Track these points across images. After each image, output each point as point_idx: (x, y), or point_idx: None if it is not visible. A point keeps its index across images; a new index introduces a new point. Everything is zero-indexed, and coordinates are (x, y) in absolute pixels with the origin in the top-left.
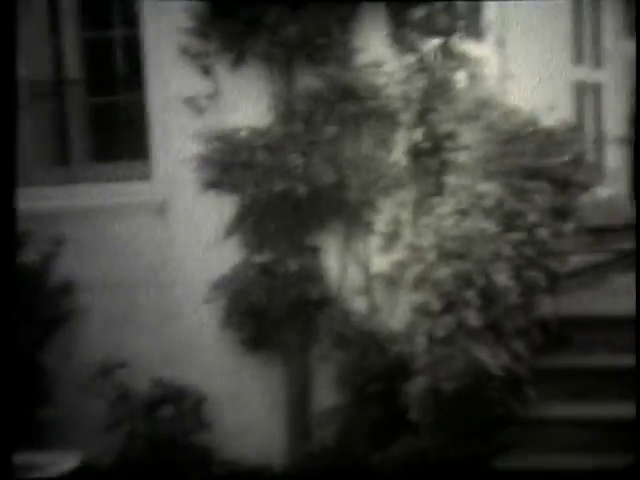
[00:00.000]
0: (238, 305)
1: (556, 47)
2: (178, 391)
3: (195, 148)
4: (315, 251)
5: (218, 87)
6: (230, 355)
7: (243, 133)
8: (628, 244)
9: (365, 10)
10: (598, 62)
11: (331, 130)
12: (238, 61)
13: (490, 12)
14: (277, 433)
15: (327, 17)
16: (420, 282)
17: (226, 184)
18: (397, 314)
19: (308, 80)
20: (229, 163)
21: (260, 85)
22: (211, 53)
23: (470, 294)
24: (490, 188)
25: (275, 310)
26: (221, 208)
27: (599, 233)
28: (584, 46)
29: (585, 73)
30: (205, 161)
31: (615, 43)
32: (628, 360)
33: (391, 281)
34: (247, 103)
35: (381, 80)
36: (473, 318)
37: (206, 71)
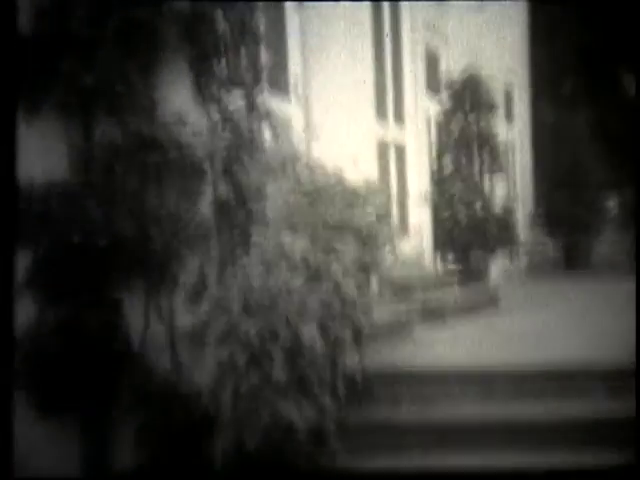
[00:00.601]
0: (31, 366)
1: (360, 104)
2: None
3: None
4: (117, 305)
5: None
6: (22, 420)
7: (38, 184)
8: (431, 297)
9: (167, 60)
10: (401, 119)
11: (132, 181)
12: (33, 110)
13: (295, 68)
14: None
15: (126, 65)
16: (225, 336)
17: (20, 237)
18: (202, 369)
19: (108, 130)
20: (23, 215)
21: (57, 134)
22: None
23: (275, 348)
24: (296, 242)
25: (73, 368)
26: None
27: (403, 287)
28: (387, 104)
29: (389, 131)
30: None
31: (416, 101)
32: (430, 413)
33: (196, 335)
34: (43, 153)
35: (184, 132)
36: (278, 372)
37: None
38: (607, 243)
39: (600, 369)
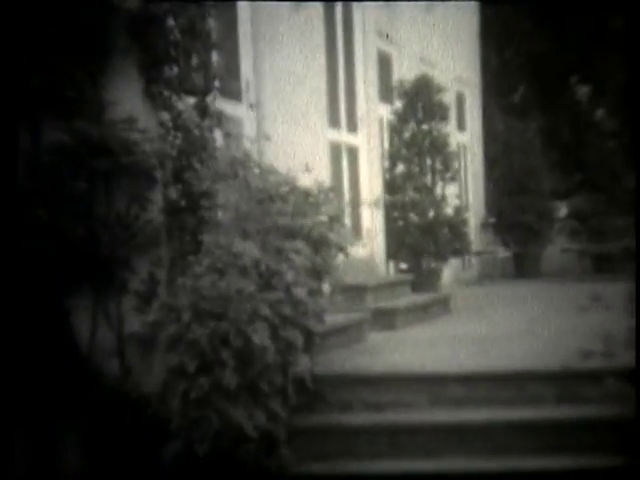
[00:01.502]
0: None
1: (313, 110)
2: None
3: None
4: (65, 310)
5: None
6: None
7: None
8: (384, 302)
9: (117, 64)
10: (353, 125)
11: (81, 185)
12: None
13: (246, 73)
14: None
15: (76, 69)
16: (175, 342)
17: None
18: (151, 375)
19: (56, 134)
20: None
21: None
22: None
23: (226, 354)
24: (247, 247)
25: (19, 373)
26: None
27: (356, 292)
28: (340, 110)
29: (341, 136)
30: None
31: (368, 107)
32: (382, 418)
33: (145, 341)
34: None
35: (135, 136)
36: (229, 379)
37: None
38: (557, 251)
39: (550, 373)
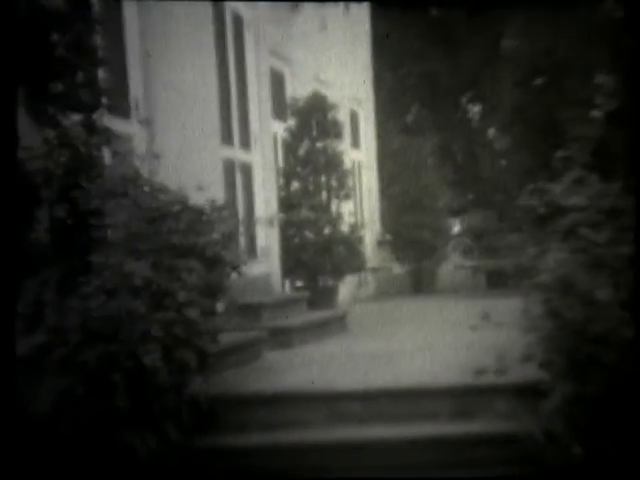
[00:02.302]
0: None
1: (205, 127)
2: None
3: None
4: None
5: None
6: None
7: None
8: (280, 321)
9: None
10: (247, 143)
11: None
12: None
13: (136, 90)
14: None
15: None
16: (63, 365)
17: None
18: (39, 399)
19: None
20: None
21: None
22: None
23: (117, 376)
24: (138, 267)
25: None
26: None
27: (251, 310)
28: (233, 127)
29: (235, 153)
30: None
31: (262, 125)
32: (278, 438)
33: (33, 364)
34: None
35: (20, 154)
36: (120, 401)
37: None
38: (452, 267)
39: (447, 388)
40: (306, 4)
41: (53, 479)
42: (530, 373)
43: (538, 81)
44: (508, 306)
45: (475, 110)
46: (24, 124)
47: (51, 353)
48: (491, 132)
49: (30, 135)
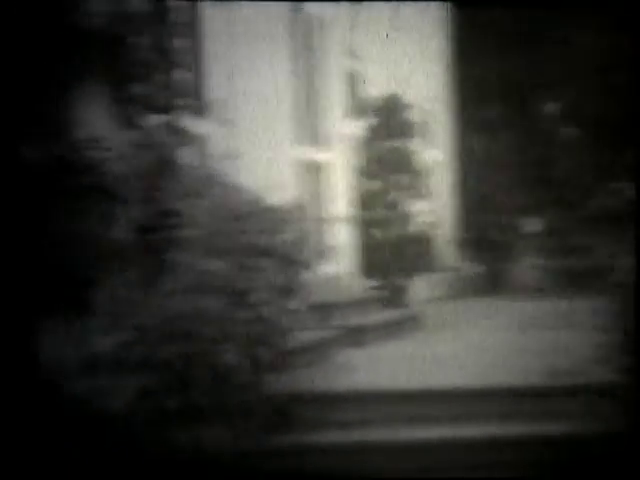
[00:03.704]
0: None
1: (280, 127)
2: None
3: None
4: (31, 330)
5: None
6: None
7: None
8: (353, 320)
9: (83, 83)
10: (321, 143)
11: (45, 205)
12: None
13: (214, 91)
14: None
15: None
16: (144, 362)
17: None
18: (119, 395)
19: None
20: None
21: None
22: None
23: (196, 373)
24: (216, 266)
25: None
26: None
27: (324, 310)
28: (309, 127)
29: (309, 153)
30: None
31: (336, 125)
32: (355, 436)
33: (114, 361)
34: None
35: (100, 155)
36: (200, 397)
37: None
38: (527, 267)
39: (519, 390)
40: (381, 4)
41: (126, 476)
42: (604, 375)
43: (616, 78)
44: (583, 307)
45: (552, 108)
46: (105, 125)
47: (131, 351)
48: (568, 130)
49: (111, 137)
